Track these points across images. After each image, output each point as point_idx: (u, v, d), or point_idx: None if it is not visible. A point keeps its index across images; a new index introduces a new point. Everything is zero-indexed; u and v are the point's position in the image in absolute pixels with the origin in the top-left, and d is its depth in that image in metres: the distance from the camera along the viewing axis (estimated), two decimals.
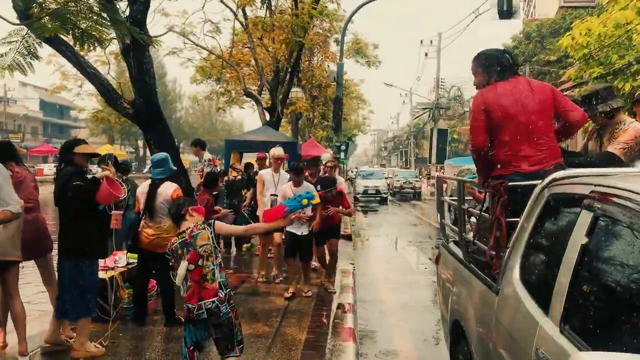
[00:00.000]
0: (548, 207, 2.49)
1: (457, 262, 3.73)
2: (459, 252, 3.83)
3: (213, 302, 3.51)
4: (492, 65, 3.46)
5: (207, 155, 10.22)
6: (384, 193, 29.22)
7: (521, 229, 2.61)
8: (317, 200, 4.35)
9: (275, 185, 8.12)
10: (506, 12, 14.29)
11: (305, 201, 4.05)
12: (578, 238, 2.02)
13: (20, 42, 5.91)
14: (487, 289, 2.88)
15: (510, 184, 2.84)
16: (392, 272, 10.51)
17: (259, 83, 18.15)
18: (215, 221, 3.79)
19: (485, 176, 3.22)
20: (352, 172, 46.59)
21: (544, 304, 2.14)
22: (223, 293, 3.56)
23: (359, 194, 29.09)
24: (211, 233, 3.64)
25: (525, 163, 3.08)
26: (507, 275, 2.61)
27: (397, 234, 16.33)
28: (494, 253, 2.78)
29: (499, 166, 3.17)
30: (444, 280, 4.18)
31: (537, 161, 3.09)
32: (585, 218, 2.03)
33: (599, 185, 2.06)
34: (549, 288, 2.10)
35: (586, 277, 1.96)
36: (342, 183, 10.21)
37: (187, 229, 3.69)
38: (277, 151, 8.40)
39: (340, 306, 6.99)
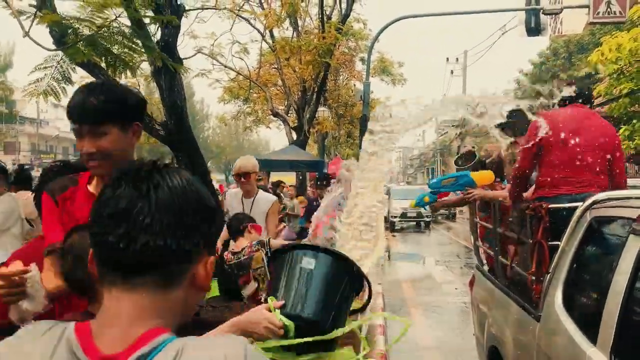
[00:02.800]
0: (591, 230, 2.42)
1: (494, 286, 3.64)
2: (494, 275, 3.75)
3: None
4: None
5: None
6: (427, 216, 24.14)
7: (562, 253, 2.54)
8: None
9: None
10: (534, 29, 14.21)
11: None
12: (627, 263, 1.95)
13: (55, 67, 6.06)
14: (527, 315, 2.80)
15: (551, 205, 2.76)
16: (421, 292, 10.36)
17: (286, 103, 18.30)
18: (270, 238, 3.64)
19: (518, 198, 3.14)
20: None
21: (591, 333, 2.06)
22: None
23: (395, 217, 24.03)
24: (266, 254, 3.42)
25: (568, 186, 2.98)
26: (548, 301, 2.53)
27: (425, 252, 16.15)
28: (534, 278, 2.70)
29: (541, 188, 3.08)
30: (480, 303, 4.08)
31: (580, 185, 2.99)
32: (634, 243, 1.96)
33: None
34: (595, 316, 2.03)
35: (638, 304, 1.89)
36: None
37: (243, 249, 3.52)
38: (242, 162, 5.10)
39: (370, 327, 6.89)
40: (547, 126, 3.10)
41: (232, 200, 5.13)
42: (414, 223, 25.04)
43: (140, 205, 0.91)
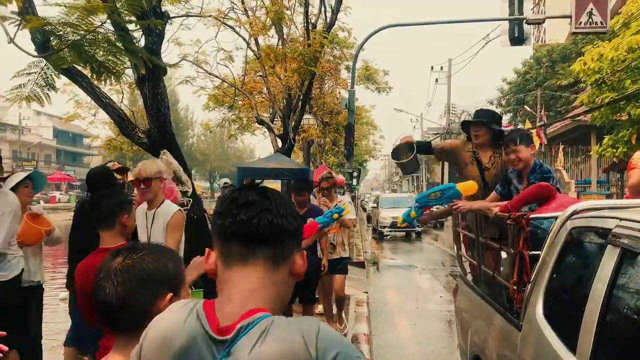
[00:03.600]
0: (570, 240, 2.44)
1: (476, 295, 3.66)
2: (477, 284, 3.76)
3: None
4: None
5: None
6: (418, 226, 22.14)
7: (543, 263, 2.56)
8: (348, 210, 4.46)
9: (147, 233, 4.01)
10: (517, 39, 14.36)
11: (336, 215, 4.12)
12: (605, 273, 1.97)
13: (39, 73, 6.02)
14: (508, 324, 2.81)
15: (532, 215, 2.80)
16: (406, 301, 10.38)
17: (271, 111, 18.26)
18: None
19: (517, 207, 3.21)
20: (365, 199, 43.76)
21: (571, 342, 2.07)
22: None
23: (384, 227, 23.11)
24: None
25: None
26: (529, 310, 2.55)
27: (411, 261, 16.19)
28: (515, 287, 2.72)
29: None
30: (463, 313, 4.10)
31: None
32: (611, 253, 1.98)
33: (625, 219, 2.02)
34: (575, 325, 2.04)
35: (615, 314, 1.90)
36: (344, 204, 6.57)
37: None
38: (142, 165, 4.12)
39: (355, 337, 6.89)
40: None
41: (139, 213, 4.04)
42: (404, 233, 23.70)
43: (266, 200, 1.23)
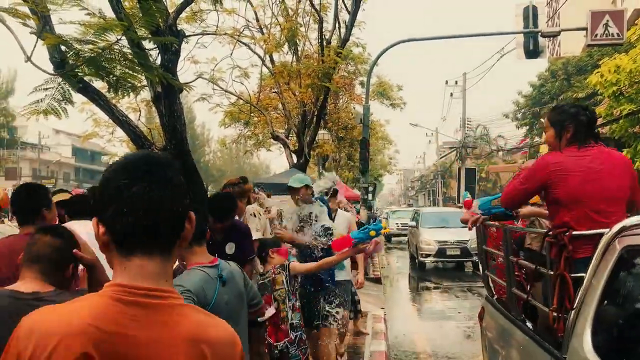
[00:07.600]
0: (622, 261, 2.21)
1: (507, 321, 3.45)
2: (507, 308, 3.56)
3: (284, 342, 3.69)
4: (565, 122, 3.00)
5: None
6: (475, 253, 13.42)
7: (589, 288, 2.34)
8: (387, 229, 4.32)
9: None
10: (532, 52, 14.22)
11: (373, 232, 3.71)
12: None
13: (56, 88, 6.03)
14: (547, 355, 2.60)
15: (575, 233, 2.57)
16: (424, 317, 10.16)
17: (286, 126, 18.22)
18: (290, 263, 3.93)
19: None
20: (383, 214, 42.22)
21: None
22: (294, 335, 3.72)
23: (428, 255, 16.49)
24: (286, 277, 3.77)
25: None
26: (574, 341, 2.32)
27: (427, 275, 15.92)
28: (555, 314, 2.51)
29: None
30: (491, 339, 3.88)
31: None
32: None
33: None
34: (632, 359, 1.86)
35: None
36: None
37: (267, 272, 3.89)
38: None
39: (372, 355, 6.72)
40: (556, 172, 2.89)
41: None
42: (456, 263, 17.21)
43: None
